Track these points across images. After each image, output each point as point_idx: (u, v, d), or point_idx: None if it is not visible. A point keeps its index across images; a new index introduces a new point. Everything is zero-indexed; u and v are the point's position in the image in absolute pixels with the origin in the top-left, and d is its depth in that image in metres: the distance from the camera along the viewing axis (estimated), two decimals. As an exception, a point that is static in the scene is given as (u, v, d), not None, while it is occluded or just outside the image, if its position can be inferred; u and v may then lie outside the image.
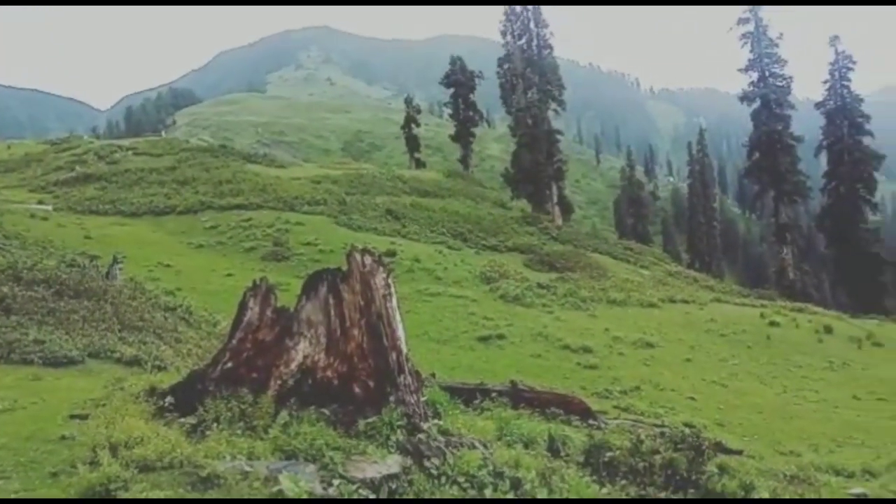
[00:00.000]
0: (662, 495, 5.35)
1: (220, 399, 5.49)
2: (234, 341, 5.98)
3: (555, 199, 58.13)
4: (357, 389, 5.78)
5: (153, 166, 48.72)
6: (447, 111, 78.55)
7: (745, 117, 54.88)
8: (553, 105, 60.02)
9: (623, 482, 5.54)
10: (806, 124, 55.90)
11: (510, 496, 4.74)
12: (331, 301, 5.76)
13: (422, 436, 5.28)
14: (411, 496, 4.56)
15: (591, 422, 10.97)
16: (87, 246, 29.00)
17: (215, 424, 5.18)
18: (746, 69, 53.83)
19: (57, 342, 10.23)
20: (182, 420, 5.45)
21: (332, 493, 4.23)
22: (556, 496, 4.76)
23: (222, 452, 4.52)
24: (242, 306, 6.06)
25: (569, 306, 27.67)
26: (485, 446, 5.71)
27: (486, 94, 77.52)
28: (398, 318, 5.93)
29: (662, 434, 7.41)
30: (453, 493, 4.68)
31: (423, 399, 6.11)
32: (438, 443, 5.29)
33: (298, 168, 58.19)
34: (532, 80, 59.45)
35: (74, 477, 4.01)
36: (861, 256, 48.10)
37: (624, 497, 5.38)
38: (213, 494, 3.95)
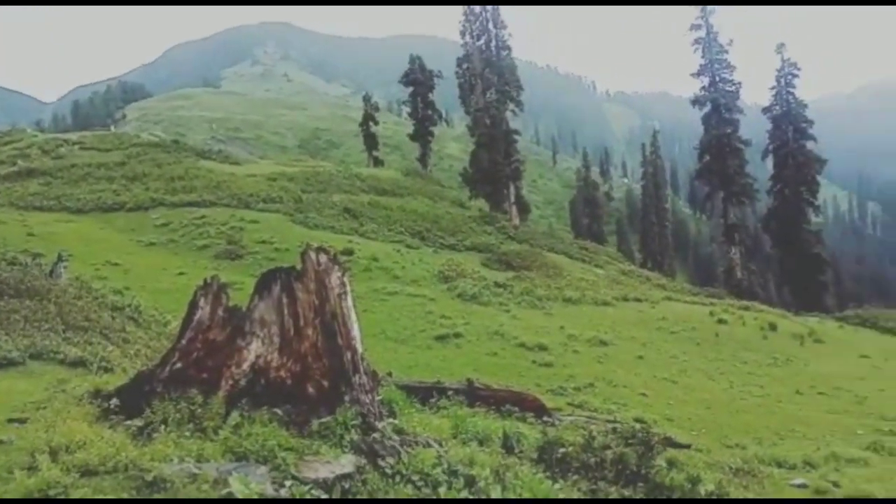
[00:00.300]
0: (613, 489, 5.46)
1: (169, 400, 5.36)
2: (183, 341, 5.84)
3: (512, 198, 58.65)
4: (311, 389, 5.72)
5: (101, 161, 47.20)
6: (406, 110, 78.53)
7: (697, 121, 56.42)
8: (511, 106, 60.54)
9: (575, 477, 5.63)
10: (754, 128, 57.79)
11: (464, 494, 4.76)
12: (284, 300, 5.69)
13: (376, 435, 5.26)
14: (365, 496, 4.54)
15: (545, 419, 11.12)
16: (30, 244, 27.95)
17: (163, 426, 5.05)
18: (698, 74, 55.33)
19: (-4, 343, 9.81)
20: (128, 423, 5.30)
21: (283, 494, 4.18)
22: (510, 493, 4.81)
23: (170, 455, 4.41)
24: (193, 305, 5.92)
25: (525, 305, 27.96)
26: (440, 444, 5.73)
27: (445, 93, 77.73)
28: (353, 317, 5.89)
29: (614, 430, 7.56)
30: (407, 491, 4.68)
31: (378, 398, 6.09)
32: (393, 442, 5.28)
33: (254, 165, 57.21)
34: (490, 81, 59.83)
35: (11, 483, 3.85)
36: (804, 257, 49.99)
37: (576, 491, 5.47)
38: (159, 498, 3.85)
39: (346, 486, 4.58)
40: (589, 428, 7.50)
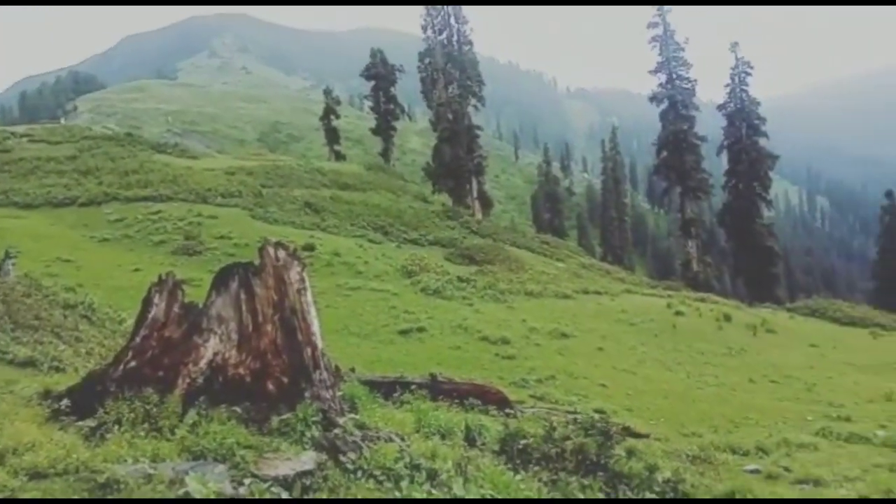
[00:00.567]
0: (573, 479, 5.54)
1: (123, 400, 5.22)
2: (138, 339, 5.69)
3: (475, 193, 58.88)
4: (270, 386, 5.65)
5: (51, 155, 45.64)
6: (368, 104, 77.90)
7: (655, 117, 57.47)
8: (473, 101, 60.71)
9: (536, 468, 5.70)
10: (710, 125, 59.14)
11: (426, 488, 4.77)
12: (242, 296, 5.59)
13: (337, 431, 5.22)
14: (326, 491, 4.51)
15: (507, 411, 11.22)
16: (-25, 240, 26.83)
17: (116, 427, 4.92)
18: (655, 71, 56.35)
19: (-62, 344, 9.43)
20: (80, 424, 5.15)
21: (242, 492, 4.11)
22: (472, 485, 4.83)
23: (123, 456, 4.30)
24: (147, 302, 5.78)
25: (488, 299, 28.12)
26: (402, 439, 5.72)
27: (408, 87, 77.45)
28: (313, 312, 5.83)
29: (575, 421, 7.68)
30: (369, 486, 4.67)
31: (339, 394, 6.05)
32: (355, 437, 5.25)
33: (211, 159, 56.10)
34: (452, 76, 59.88)
35: (-45, 488, 3.71)
36: (757, 250, 51.47)
37: (537, 481, 5.53)
38: (113, 498, 3.75)
39: (307, 482, 4.54)
40: (550, 419, 7.59)
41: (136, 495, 3.82)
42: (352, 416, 5.86)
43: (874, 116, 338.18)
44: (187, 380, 5.59)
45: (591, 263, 49.72)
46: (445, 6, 60.22)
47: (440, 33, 60.63)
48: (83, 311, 15.38)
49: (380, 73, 70.15)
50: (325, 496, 4.16)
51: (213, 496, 3.76)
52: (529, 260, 41.28)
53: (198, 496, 3.71)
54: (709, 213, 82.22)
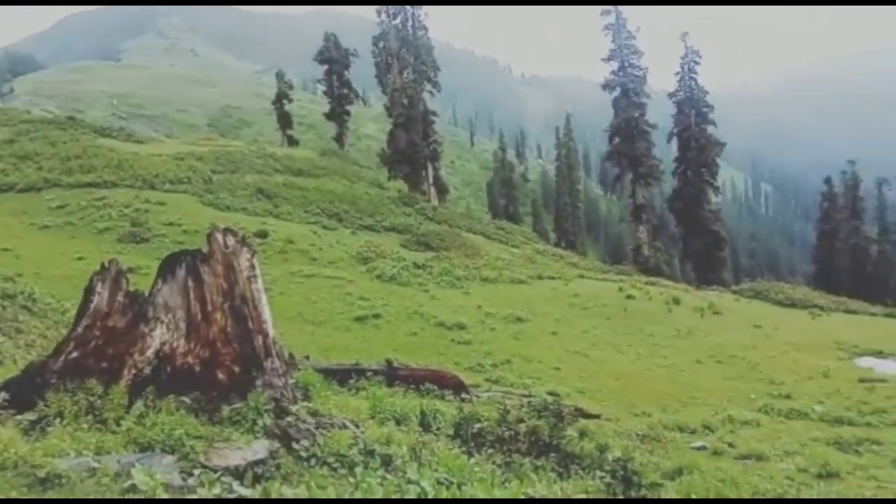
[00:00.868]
0: (526, 461, 5.63)
1: (65, 392, 5.04)
2: (79, 329, 5.50)
3: (430, 179, 58.75)
4: (221, 375, 5.54)
5: (-14, 139, 43.47)
6: (321, 88, 76.61)
7: (608, 105, 58.21)
8: (428, 86, 60.37)
9: (490, 451, 5.77)
10: (662, 113, 60.29)
11: (381, 473, 4.77)
12: (190, 284, 5.45)
13: (290, 419, 5.17)
14: (279, 480, 4.46)
15: (463, 395, 11.33)
16: None
17: (58, 420, 4.75)
18: (608, 59, 57.00)
19: None
20: (19, 417, 4.95)
21: (191, 483, 4.04)
22: (426, 469, 4.86)
23: (65, 449, 4.16)
24: (89, 291, 5.58)
25: (444, 285, 28.21)
26: (356, 425, 5.70)
27: (363, 72, 76.39)
28: (264, 300, 5.74)
29: (529, 403, 7.79)
30: (323, 473, 4.64)
31: (292, 382, 5.98)
32: (308, 425, 5.20)
33: (159, 143, 54.41)
34: (407, 61, 59.36)
35: None
36: (705, 234, 52.96)
37: (491, 463, 5.60)
38: (53, 495, 3.63)
39: (259, 471, 4.49)
40: (504, 403, 7.69)
41: (79, 490, 3.71)
42: (305, 403, 5.81)
43: (818, 105, 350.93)
44: (133, 370, 5.44)
45: (546, 249, 50.35)
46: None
47: (394, 17, 59.95)
48: (23, 301, 14.78)
49: (333, 58, 69.03)
50: (278, 484, 4.12)
51: (160, 488, 3.67)
52: (485, 246, 41.54)
53: (144, 488, 3.62)
54: (659, 199, 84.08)
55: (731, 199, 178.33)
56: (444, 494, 4.13)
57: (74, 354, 5.43)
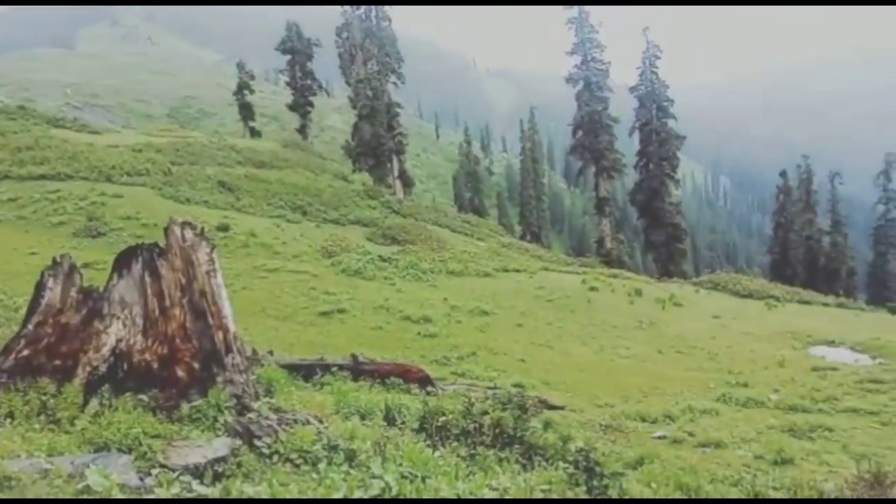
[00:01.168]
0: (491, 453, 5.66)
1: (15, 392, 4.88)
2: (30, 326, 5.32)
3: (396, 172, 58.46)
4: (180, 372, 5.43)
5: (-70, 128, 41.67)
6: (284, 79, 75.42)
7: (572, 99, 58.67)
8: (392, 78, 59.96)
9: (455, 444, 5.77)
10: (623, 106, 61.02)
11: (345, 468, 4.74)
12: (147, 279, 5.32)
13: (252, 415, 5.10)
14: (240, 478, 4.39)
15: (429, 389, 11.33)
16: None
17: (8, 420, 4.60)
18: (571, 52, 57.40)
19: None
20: (-34, 419, 4.78)
21: (149, 483, 3.94)
22: (390, 464, 4.84)
23: (16, 450, 4.02)
24: (40, 287, 5.40)
25: (410, 278, 28.14)
26: (320, 421, 5.65)
27: (326, 62, 75.37)
28: (224, 295, 5.63)
29: (494, 396, 7.83)
30: (286, 470, 4.59)
31: (253, 378, 5.89)
32: (270, 421, 5.14)
33: (115, 135, 52.90)
34: (371, 52, 58.84)
35: None
36: (665, 227, 53.94)
37: (456, 456, 5.61)
38: (3, 497, 3.50)
39: (220, 469, 4.42)
40: (469, 395, 7.71)
41: (31, 492, 3.58)
42: (267, 400, 5.74)
43: (773, 101, 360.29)
44: (88, 368, 5.29)
45: (511, 242, 50.64)
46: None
47: (358, 8, 59.32)
48: (-28, 298, 14.24)
49: (296, 48, 68.04)
50: (238, 482, 4.05)
51: (115, 489, 3.58)
52: (451, 239, 41.56)
53: (98, 489, 3.52)
54: (621, 192, 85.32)
55: (692, 192, 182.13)
56: (408, 488, 4.13)
57: (25, 353, 5.26)
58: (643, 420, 12.70)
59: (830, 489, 6.02)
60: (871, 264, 63.56)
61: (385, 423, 6.46)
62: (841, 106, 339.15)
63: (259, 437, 4.85)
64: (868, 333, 23.22)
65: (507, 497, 4.28)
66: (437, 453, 5.37)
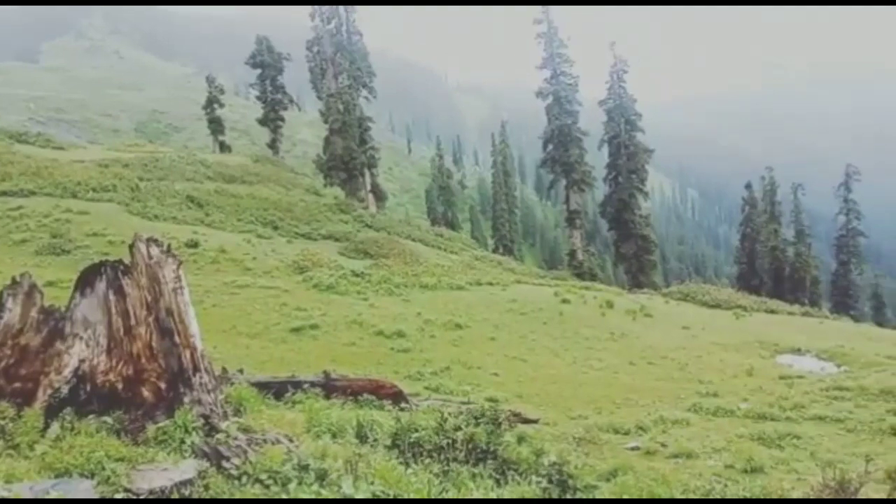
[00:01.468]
0: (464, 469, 5.62)
1: (-29, 417, 4.71)
2: (-12, 349, 5.15)
3: (368, 186, 58.36)
4: (146, 393, 5.31)
5: None
6: (254, 93, 74.94)
7: (542, 112, 59.37)
8: (364, 92, 60.02)
9: (428, 460, 5.73)
10: (593, 120, 61.89)
11: (315, 488, 4.67)
12: (112, 297, 5.20)
13: (220, 436, 4.99)
14: (208, 500, 4.30)
15: (403, 405, 11.24)
16: None
17: (-36, 447, 4.44)
18: (541, 67, 58.18)
19: None
20: (-82, 446, 4.59)
21: (112, 509, 3.83)
22: (362, 482, 4.78)
23: (-29, 479, 3.88)
24: (-1, 308, 5.24)
25: (383, 292, 28.00)
26: (290, 440, 5.56)
27: (297, 76, 75.14)
28: (192, 313, 5.52)
29: (468, 411, 7.80)
30: (255, 491, 4.50)
31: (222, 397, 5.78)
32: (239, 441, 5.04)
33: (81, 150, 52.00)
34: (342, 66, 58.87)
35: None
36: (635, 239, 54.69)
37: (429, 473, 5.56)
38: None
39: (187, 492, 4.32)
40: (442, 411, 7.67)
41: (-14, 522, 3.46)
42: (236, 419, 5.63)
43: (736, 114, 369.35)
44: (49, 390, 5.14)
45: (484, 255, 50.83)
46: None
47: (328, 22, 59.34)
48: (-73, 318, 13.74)
49: (266, 62, 67.68)
50: (206, 506, 3.97)
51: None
52: (424, 253, 41.54)
53: (58, 518, 3.41)
54: (592, 205, 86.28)
55: (660, 204, 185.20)
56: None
57: (-18, 376, 5.09)
58: (616, 432, 12.77)
59: (799, 497, 6.10)
60: (834, 274, 65.13)
61: (357, 441, 6.39)
62: (796, 118, 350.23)
63: (227, 459, 4.75)
64: (833, 341, 23.76)
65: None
66: (409, 470, 5.32)
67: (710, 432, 12.86)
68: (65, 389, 5.18)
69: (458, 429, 6.10)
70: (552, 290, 31.80)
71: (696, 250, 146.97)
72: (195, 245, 29.55)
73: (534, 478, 5.42)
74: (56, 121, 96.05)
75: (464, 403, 11.56)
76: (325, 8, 58.90)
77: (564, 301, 28.71)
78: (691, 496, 6.59)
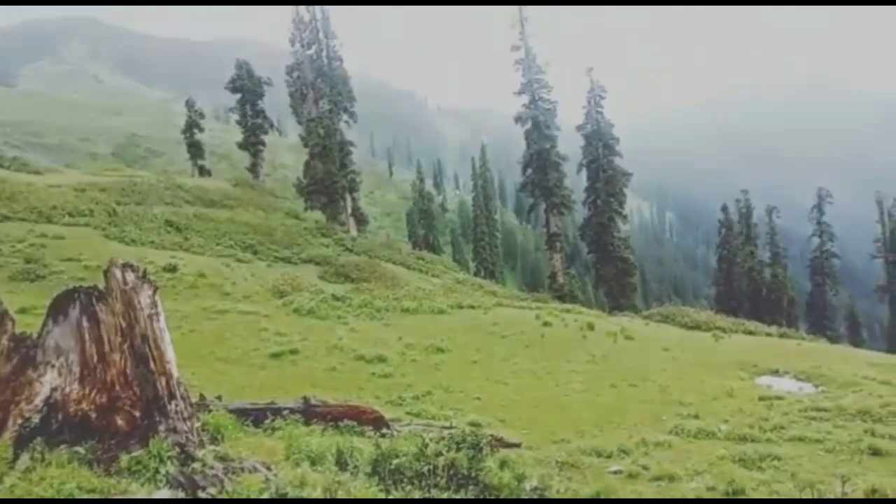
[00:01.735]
0: (445, 495, 5.55)
1: (-63, 449, 4.57)
2: (-44, 378, 5.02)
3: (349, 210, 58.30)
4: (120, 421, 5.19)
5: None
6: (234, 117, 74.95)
7: (521, 136, 60.02)
8: (345, 116, 60.25)
9: (409, 487, 5.65)
10: (572, 143, 62.69)
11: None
12: (85, 324, 5.10)
13: (196, 465, 4.89)
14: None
15: (384, 430, 11.10)
16: None
17: (-71, 480, 4.29)
18: (519, 92, 58.93)
19: None
20: None
21: (83, 543, 3.72)
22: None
23: (-65, 514, 3.75)
24: (-32, 335, 5.12)
25: (364, 317, 27.84)
26: (268, 468, 5.46)
27: (277, 101, 75.35)
28: (168, 339, 5.44)
29: (449, 435, 7.72)
30: (232, 522, 4.41)
31: (198, 425, 5.67)
32: (215, 470, 4.94)
33: (58, 174, 51.37)
34: (323, 90, 59.11)
35: None
36: (615, 261, 55.14)
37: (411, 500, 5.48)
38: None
39: (161, 524, 4.21)
40: (423, 436, 7.59)
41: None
42: (213, 448, 5.52)
43: (710, 137, 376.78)
44: (19, 420, 5.01)
45: (465, 278, 50.86)
46: (314, 18, 59.44)
47: (309, 47, 59.69)
48: None
49: (246, 86, 67.85)
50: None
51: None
52: (405, 276, 41.47)
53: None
54: (572, 228, 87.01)
55: (639, 226, 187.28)
56: (361, 537, 4.00)
57: (-51, 406, 4.94)
58: (598, 455, 12.71)
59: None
60: (810, 295, 66.16)
61: (337, 468, 6.28)
62: (770, 139, 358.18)
63: (203, 488, 4.65)
64: (810, 362, 24.01)
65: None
66: (389, 497, 5.25)
67: (692, 454, 12.85)
68: (36, 419, 5.05)
69: (438, 454, 6.03)
70: (533, 312, 31.84)
71: (674, 272, 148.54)
72: (173, 269, 29.20)
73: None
74: (33, 145, 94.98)
75: (445, 428, 11.45)
76: (306, 34, 59.30)
77: (546, 324, 28.74)
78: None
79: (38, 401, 5.03)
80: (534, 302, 39.84)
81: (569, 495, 7.39)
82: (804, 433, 14.38)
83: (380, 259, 45.00)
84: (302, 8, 59.43)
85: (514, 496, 5.63)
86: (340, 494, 4.92)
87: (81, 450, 4.93)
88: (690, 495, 9.58)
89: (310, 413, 11.30)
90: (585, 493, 8.63)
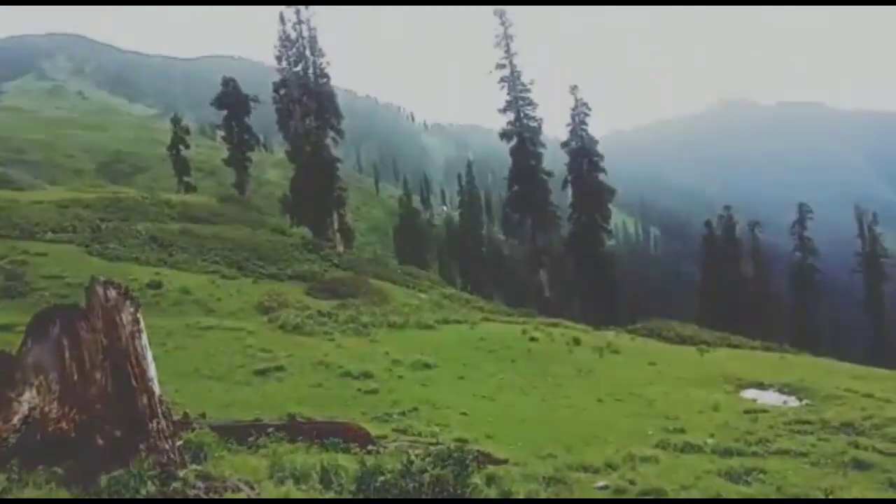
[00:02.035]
0: (431, 513, 5.52)
1: (-89, 470, 4.48)
2: (-68, 398, 4.93)
3: (336, 226, 58.22)
4: (100, 440, 5.12)
5: None
6: (220, 133, 74.78)
7: (507, 151, 60.40)
8: (331, 133, 60.36)
9: (394, 505, 5.61)
10: (557, 159, 63.23)
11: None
12: (65, 342, 5.05)
13: (177, 485, 4.83)
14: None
15: (370, 447, 11.02)
16: None
17: None
18: (504, 109, 59.44)
19: None
20: None
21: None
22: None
23: None
24: (-55, 354, 5.04)
25: (350, 332, 27.68)
26: (251, 487, 5.40)
27: (264, 117, 75.36)
28: (149, 356, 5.39)
29: (435, 452, 7.68)
30: (214, 542, 4.35)
31: (180, 443, 5.61)
32: (197, 490, 4.88)
33: (41, 191, 50.99)
34: (309, 107, 59.23)
35: None
36: (600, 276, 55.43)
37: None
38: None
39: (141, 545, 4.14)
40: (408, 453, 7.54)
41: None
42: (195, 466, 5.46)
43: (692, 152, 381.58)
44: (-4, 441, 4.92)
45: (452, 293, 50.75)
46: (301, 36, 59.69)
47: (295, 65, 59.88)
48: None
49: (232, 103, 67.81)
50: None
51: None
52: (392, 291, 41.33)
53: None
54: (557, 243, 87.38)
55: (624, 241, 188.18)
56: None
57: (-75, 426, 4.86)
58: (585, 470, 12.67)
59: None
60: (793, 308, 66.79)
61: (321, 487, 6.23)
62: (754, 151, 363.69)
63: (185, 508, 4.59)
64: (794, 375, 24.18)
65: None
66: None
67: (679, 468, 12.86)
68: (13, 438, 4.97)
69: (424, 471, 6.00)
70: (520, 327, 31.82)
71: (659, 286, 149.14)
72: (158, 286, 28.95)
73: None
74: (16, 161, 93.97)
75: (432, 445, 11.40)
76: (292, 52, 59.49)
77: (532, 339, 28.72)
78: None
79: (16, 420, 4.96)
80: (520, 317, 39.83)
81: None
82: (789, 446, 14.46)
83: (367, 275, 44.86)
84: (288, 26, 59.69)
85: (500, 512, 5.61)
86: (324, 513, 4.88)
87: (60, 470, 4.86)
88: (677, 510, 9.57)
89: (295, 430, 11.22)
90: (572, 508, 8.59)
